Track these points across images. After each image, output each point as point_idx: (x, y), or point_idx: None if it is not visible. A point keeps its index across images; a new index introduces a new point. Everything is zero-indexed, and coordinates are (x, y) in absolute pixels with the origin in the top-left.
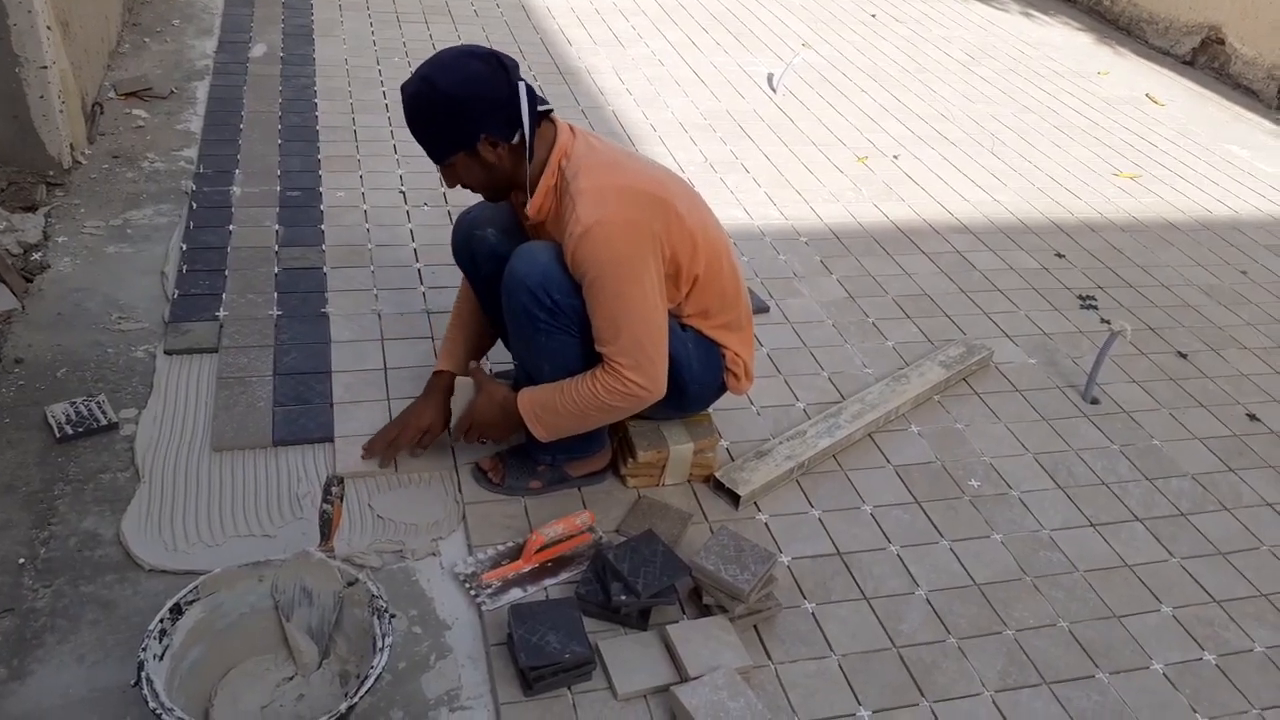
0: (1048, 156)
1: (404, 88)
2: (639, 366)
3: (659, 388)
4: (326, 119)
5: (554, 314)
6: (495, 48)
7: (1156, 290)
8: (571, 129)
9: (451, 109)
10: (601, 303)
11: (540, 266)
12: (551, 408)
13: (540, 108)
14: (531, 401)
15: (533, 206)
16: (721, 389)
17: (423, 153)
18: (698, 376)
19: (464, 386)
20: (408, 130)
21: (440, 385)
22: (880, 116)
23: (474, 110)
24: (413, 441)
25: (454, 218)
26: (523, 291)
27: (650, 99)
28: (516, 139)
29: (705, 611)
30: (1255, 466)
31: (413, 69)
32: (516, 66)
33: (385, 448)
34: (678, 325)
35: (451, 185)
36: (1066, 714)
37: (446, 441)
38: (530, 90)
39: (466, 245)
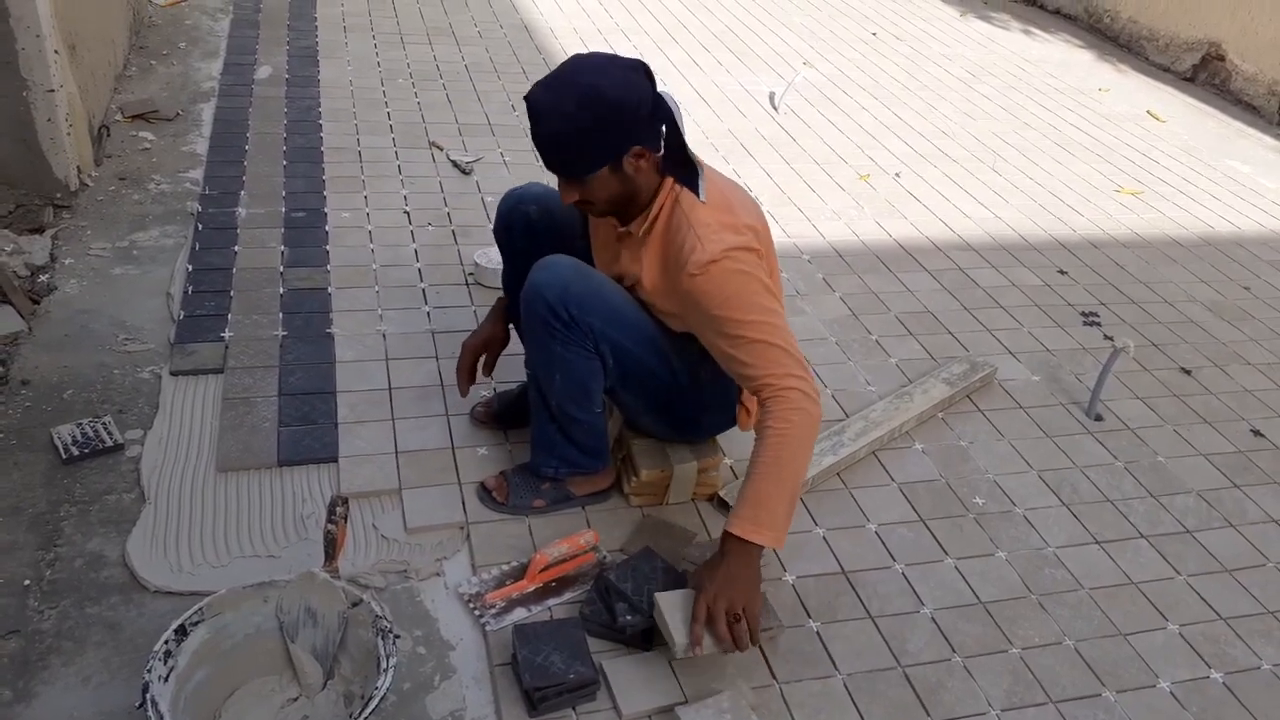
0: (1049, 173)
1: (547, 100)
2: (802, 378)
3: (816, 407)
4: (331, 140)
5: (570, 327)
6: (497, 72)
7: (1159, 306)
8: None
9: (617, 116)
10: (742, 331)
11: (561, 279)
12: (763, 497)
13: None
14: (748, 517)
15: (641, 224)
16: (732, 420)
17: (426, 173)
18: (709, 405)
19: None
20: (413, 151)
21: (500, 306)
22: (882, 134)
23: (631, 120)
24: (470, 364)
25: (457, 238)
26: (540, 303)
27: None
28: (660, 151)
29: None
30: (1261, 483)
31: (417, 91)
32: (654, 76)
33: (459, 380)
34: (701, 354)
35: (570, 200)
36: None
37: (453, 457)
38: (666, 100)
39: (508, 219)
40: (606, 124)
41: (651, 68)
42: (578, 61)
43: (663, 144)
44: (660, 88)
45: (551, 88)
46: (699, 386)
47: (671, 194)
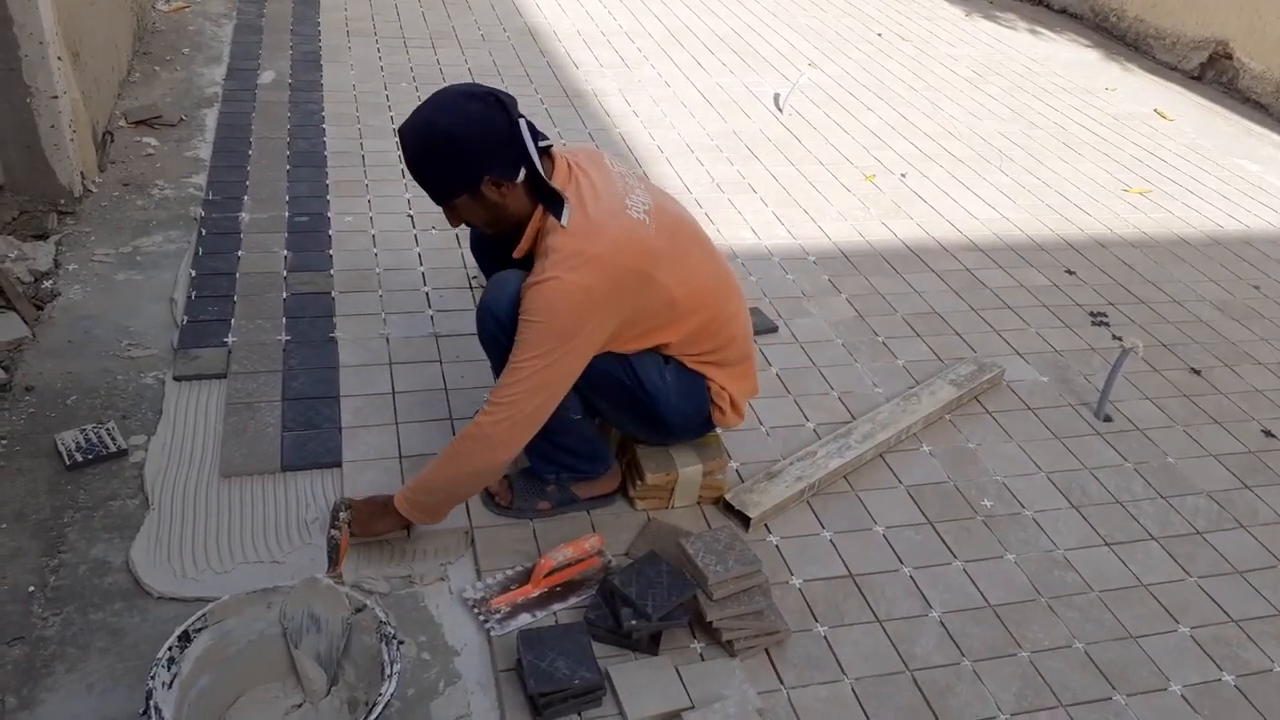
0: (1057, 173)
1: (402, 131)
2: (502, 415)
3: (508, 449)
4: (334, 144)
5: None
6: (500, 76)
7: (1168, 306)
8: (570, 167)
9: (454, 151)
10: (518, 348)
11: (508, 295)
12: (424, 484)
13: (540, 143)
14: (405, 490)
15: (520, 250)
16: (708, 421)
17: None
18: (678, 408)
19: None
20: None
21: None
22: (887, 135)
23: (476, 152)
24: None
25: (461, 241)
26: (490, 319)
27: (657, 121)
28: (520, 177)
29: (715, 637)
30: (1272, 484)
31: (420, 94)
32: (515, 103)
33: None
34: (660, 357)
35: (455, 225)
36: None
37: None
38: (531, 126)
39: (480, 238)
40: (444, 156)
41: (514, 99)
42: (432, 96)
43: (522, 172)
44: (525, 119)
45: (407, 122)
46: (664, 388)
47: (542, 220)
